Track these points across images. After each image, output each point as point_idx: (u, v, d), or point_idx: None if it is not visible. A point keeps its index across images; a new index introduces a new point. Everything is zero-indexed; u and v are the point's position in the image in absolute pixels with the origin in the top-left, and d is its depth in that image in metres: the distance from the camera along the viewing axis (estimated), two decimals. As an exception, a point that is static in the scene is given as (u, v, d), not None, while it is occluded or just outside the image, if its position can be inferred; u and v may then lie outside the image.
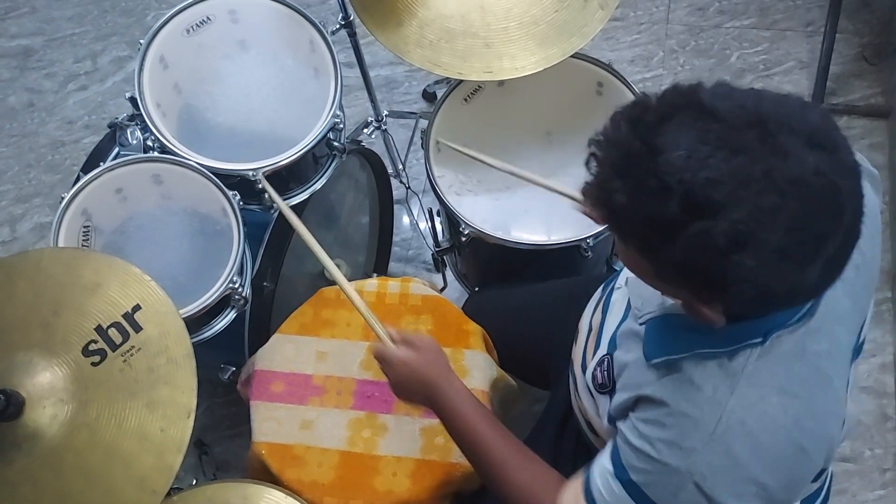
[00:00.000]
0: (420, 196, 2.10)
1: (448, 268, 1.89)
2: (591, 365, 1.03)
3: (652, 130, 0.72)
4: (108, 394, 1.03)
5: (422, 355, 1.11)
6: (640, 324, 0.96)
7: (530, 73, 1.42)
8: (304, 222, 1.59)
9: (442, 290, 2.01)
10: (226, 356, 1.65)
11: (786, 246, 0.69)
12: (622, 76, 1.57)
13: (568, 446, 1.25)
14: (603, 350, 1.02)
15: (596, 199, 0.77)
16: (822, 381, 0.86)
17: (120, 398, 1.02)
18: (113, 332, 1.06)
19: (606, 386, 0.99)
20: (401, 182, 2.08)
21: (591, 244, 1.44)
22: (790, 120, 0.70)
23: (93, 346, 1.05)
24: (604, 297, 1.13)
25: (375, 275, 1.98)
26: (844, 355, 0.91)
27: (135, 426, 1.02)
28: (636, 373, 0.93)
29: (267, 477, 1.36)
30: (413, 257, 2.16)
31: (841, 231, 0.71)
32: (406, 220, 2.18)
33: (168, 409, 1.02)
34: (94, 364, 1.04)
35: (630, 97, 1.56)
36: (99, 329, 1.06)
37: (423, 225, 2.12)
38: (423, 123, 2.00)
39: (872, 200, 0.89)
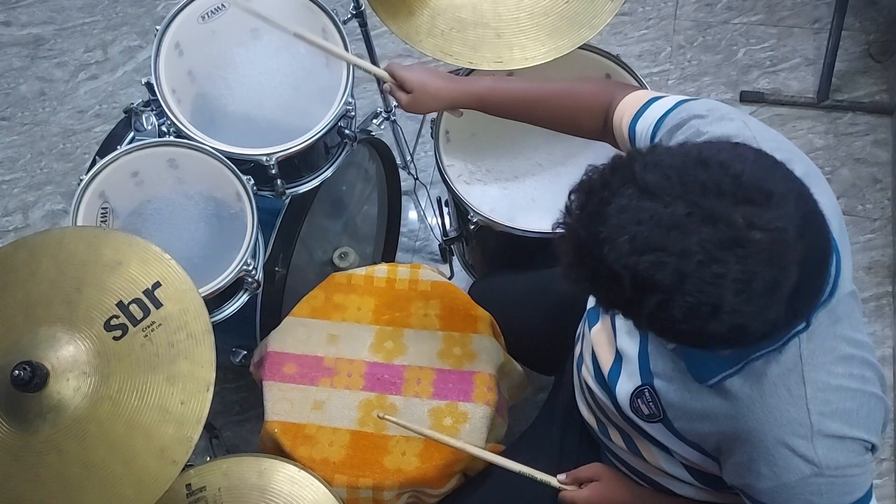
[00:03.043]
0: (428, 187, 2.13)
1: (455, 258, 1.92)
2: (624, 393, 1.04)
3: (595, 218, 0.76)
4: (129, 367, 1.05)
5: (603, 484, 1.16)
6: (671, 347, 0.98)
7: (540, 63, 1.44)
8: (314, 211, 1.63)
9: (450, 279, 2.04)
10: (237, 340, 1.68)
11: (738, 306, 0.72)
12: (630, 68, 1.60)
13: (572, 440, 1.28)
14: (636, 380, 1.02)
15: (566, 279, 0.81)
16: (857, 330, 0.90)
17: (141, 372, 1.05)
18: (134, 308, 1.08)
19: (656, 416, 1.00)
20: (409, 173, 2.11)
21: (597, 232, 1.47)
22: (716, 180, 0.73)
23: (114, 322, 1.08)
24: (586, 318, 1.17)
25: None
26: (856, 297, 0.94)
27: (155, 399, 1.04)
28: (692, 399, 0.94)
29: (279, 455, 1.38)
30: (420, 248, 2.18)
31: (793, 270, 0.73)
32: (413, 211, 2.21)
33: (188, 383, 1.05)
34: (115, 338, 1.07)
35: (638, 89, 1.59)
36: (120, 305, 1.09)
37: (431, 216, 2.14)
38: (432, 115, 2.03)
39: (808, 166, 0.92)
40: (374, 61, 1.85)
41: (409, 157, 2.13)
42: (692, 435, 0.97)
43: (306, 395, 1.40)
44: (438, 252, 1.95)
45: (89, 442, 1.03)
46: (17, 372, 1.00)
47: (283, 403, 1.40)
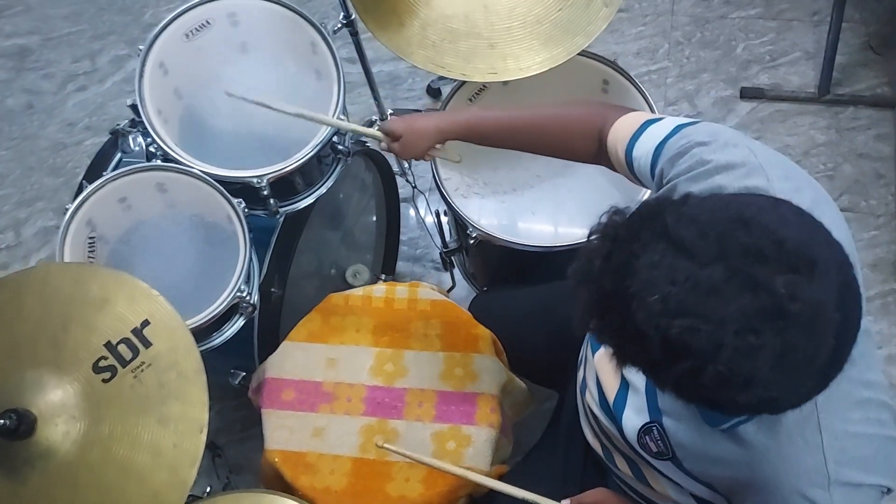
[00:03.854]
0: (426, 195, 2.09)
1: (456, 267, 1.88)
2: (631, 427, 1.01)
3: (622, 271, 0.70)
4: (119, 410, 1.02)
5: None
6: None
7: (535, 73, 1.40)
8: (311, 224, 1.59)
9: (450, 289, 2.01)
10: (236, 361, 1.65)
11: (772, 380, 0.68)
12: (627, 73, 1.56)
13: (577, 462, 1.25)
14: (644, 415, 0.99)
15: (585, 328, 0.77)
16: (871, 369, 0.87)
17: (132, 414, 1.02)
18: (122, 348, 1.05)
19: (665, 454, 0.97)
20: (407, 181, 2.07)
21: (599, 245, 1.43)
22: (758, 244, 0.67)
23: (103, 363, 1.04)
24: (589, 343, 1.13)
25: (384, 276, 1.99)
26: (869, 334, 0.90)
27: (148, 442, 1.01)
28: (703, 442, 0.91)
29: (280, 484, 1.36)
30: (421, 256, 2.15)
31: (830, 343, 0.69)
32: (413, 218, 2.17)
33: (180, 425, 1.01)
34: (104, 381, 1.04)
35: (635, 95, 1.55)
36: (108, 345, 1.05)
37: (431, 223, 2.11)
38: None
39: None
40: (366, 68, 1.81)
41: (406, 165, 2.09)
42: (703, 476, 0.93)
43: (306, 421, 1.37)
44: (439, 260, 1.91)
45: (81, 489, 1.00)
46: (2, 420, 0.97)
47: (282, 431, 1.36)
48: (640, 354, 0.71)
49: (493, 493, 1.33)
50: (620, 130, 1.05)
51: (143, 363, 1.04)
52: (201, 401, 1.02)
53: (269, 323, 1.54)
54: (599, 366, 1.09)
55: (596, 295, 0.73)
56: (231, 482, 1.88)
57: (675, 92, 2.24)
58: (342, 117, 1.44)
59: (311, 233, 1.62)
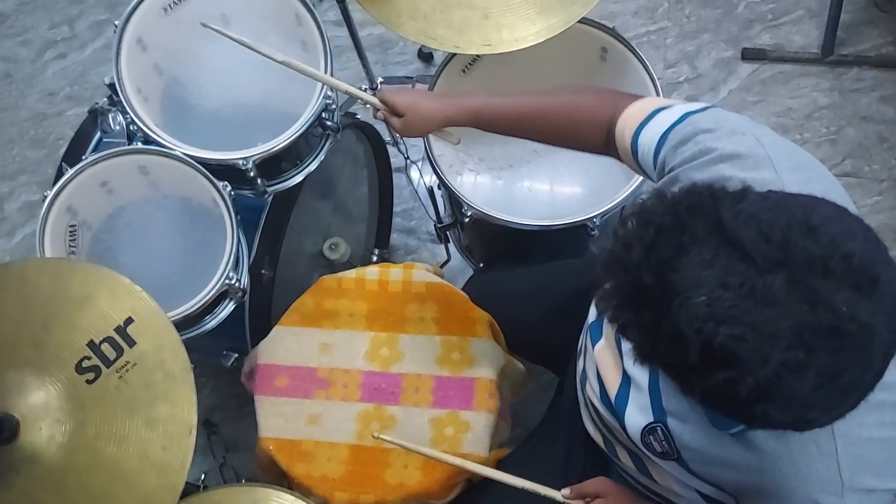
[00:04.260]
0: (419, 165, 2.03)
1: (451, 242, 1.84)
2: (634, 426, 0.97)
3: (667, 265, 0.65)
4: (105, 412, 0.99)
5: (610, 500, 1.10)
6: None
7: (531, 44, 1.34)
8: (302, 199, 1.54)
9: (446, 262, 1.97)
10: (228, 343, 1.61)
11: (813, 400, 0.64)
12: (627, 41, 1.49)
13: (577, 450, 1.22)
14: (648, 414, 0.95)
15: (609, 320, 0.71)
16: (890, 369, 0.83)
17: (118, 416, 0.99)
18: (106, 348, 1.01)
19: (670, 455, 0.93)
20: (399, 151, 2.01)
21: (597, 223, 1.39)
22: (825, 256, 0.62)
23: (86, 363, 1.01)
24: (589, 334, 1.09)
25: (377, 251, 1.95)
26: None
27: (135, 445, 0.98)
28: (711, 445, 0.87)
29: (275, 471, 1.34)
30: (415, 228, 2.10)
31: (878, 366, 0.65)
32: (407, 189, 2.12)
33: (168, 427, 0.98)
34: (88, 381, 1.00)
35: (635, 63, 1.49)
36: (91, 344, 1.01)
37: (424, 194, 2.05)
38: (420, 87, 1.92)
39: None
40: (353, 33, 1.73)
41: (398, 134, 2.03)
42: (710, 477, 0.90)
43: (301, 408, 1.34)
44: (434, 232, 1.86)
45: (68, 494, 0.97)
46: (-16, 427, 0.93)
47: (276, 419, 1.34)
48: (671, 356, 0.66)
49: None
50: (629, 119, 1.00)
51: (127, 363, 1.00)
52: (189, 401, 0.99)
53: (261, 305, 1.50)
54: (600, 359, 1.05)
55: (631, 287, 0.68)
56: (227, 461, 1.86)
57: (675, 53, 2.17)
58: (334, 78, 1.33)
59: (301, 208, 1.58)
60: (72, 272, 1.05)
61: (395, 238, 2.08)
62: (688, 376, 0.67)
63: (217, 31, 1.21)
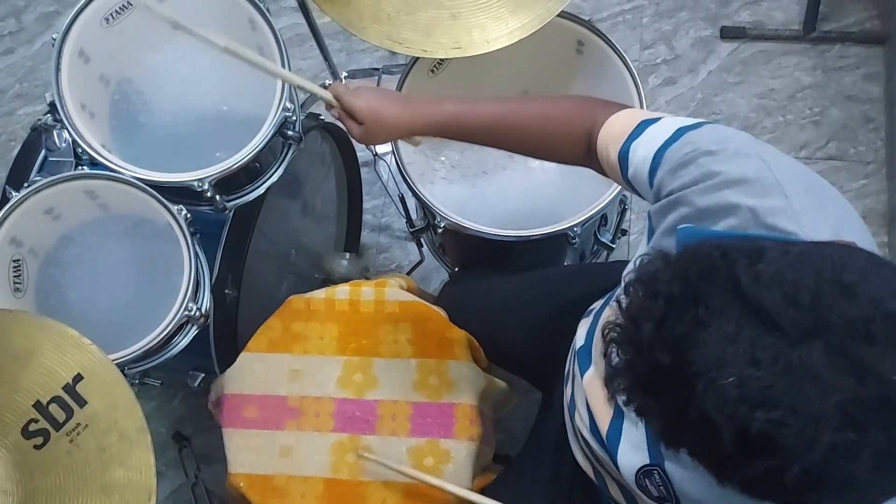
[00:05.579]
0: (388, 160, 1.95)
1: (425, 246, 1.77)
2: (628, 466, 0.91)
3: (683, 341, 0.57)
4: (57, 480, 0.91)
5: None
6: None
7: (504, 45, 1.25)
8: (269, 202, 1.45)
9: (419, 263, 1.90)
10: (194, 361, 1.53)
11: (870, 481, 0.56)
12: (604, 34, 1.41)
13: (566, 475, 1.16)
14: (643, 455, 0.88)
15: (624, 403, 0.63)
16: None
17: (71, 484, 0.91)
18: (54, 409, 0.93)
19: (667, 500, 0.87)
20: (366, 147, 1.92)
21: (577, 231, 1.32)
22: (865, 318, 0.55)
23: (33, 426, 0.93)
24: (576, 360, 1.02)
25: (348, 255, 1.87)
26: None
27: (91, 514, 0.91)
28: (715, 496, 0.78)
29: (248, 507, 1.28)
30: (386, 226, 2.02)
31: None
32: (377, 186, 2.04)
33: (126, 493, 0.91)
34: (37, 447, 0.92)
35: (612, 57, 1.41)
36: (38, 405, 0.93)
37: (394, 189, 1.97)
38: (387, 78, 1.82)
39: None
40: (310, 23, 1.62)
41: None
42: None
43: (272, 441, 1.27)
44: (406, 229, 1.79)
45: (20, 572, 0.90)
46: (-79, 506, 0.86)
47: (247, 453, 1.27)
48: (703, 445, 0.59)
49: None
50: (611, 131, 0.92)
51: (78, 424, 0.92)
52: (147, 464, 0.91)
53: (226, 324, 1.42)
54: (589, 390, 0.99)
55: (644, 367, 0.60)
56: (199, 479, 1.80)
57: (652, 34, 2.09)
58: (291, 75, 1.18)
59: (267, 210, 1.50)
60: (12, 325, 0.96)
61: (366, 236, 2.01)
62: (723, 466, 0.59)
63: (150, 8, 1.03)
